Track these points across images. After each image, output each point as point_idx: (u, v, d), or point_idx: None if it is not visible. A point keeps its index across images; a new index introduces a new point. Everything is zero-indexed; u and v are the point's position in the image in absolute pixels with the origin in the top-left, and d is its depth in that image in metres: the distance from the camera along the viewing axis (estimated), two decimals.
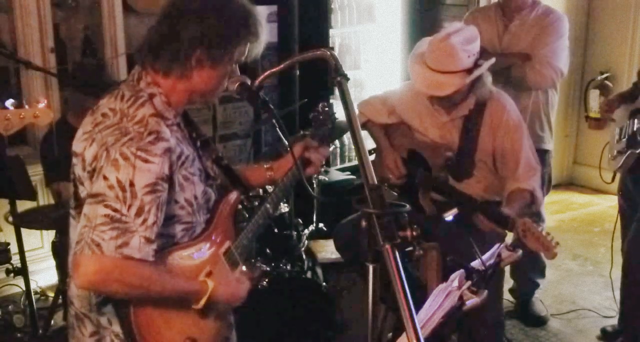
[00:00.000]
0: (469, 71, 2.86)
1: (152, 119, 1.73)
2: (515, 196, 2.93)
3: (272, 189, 2.20)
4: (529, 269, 3.93)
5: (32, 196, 3.56)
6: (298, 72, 4.84)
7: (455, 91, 2.88)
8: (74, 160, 1.81)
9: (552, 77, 3.57)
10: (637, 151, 3.29)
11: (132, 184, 1.66)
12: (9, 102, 2.55)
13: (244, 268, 2.02)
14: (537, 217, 3.75)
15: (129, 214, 1.66)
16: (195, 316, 1.86)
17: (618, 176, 3.57)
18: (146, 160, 1.67)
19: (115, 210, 1.65)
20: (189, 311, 1.84)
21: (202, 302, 1.82)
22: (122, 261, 1.66)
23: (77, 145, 1.80)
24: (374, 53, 5.85)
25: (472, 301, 1.81)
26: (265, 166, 2.23)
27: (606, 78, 5.83)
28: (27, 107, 2.55)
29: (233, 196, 2.02)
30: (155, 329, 1.80)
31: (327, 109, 2.32)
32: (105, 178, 1.67)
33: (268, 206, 2.14)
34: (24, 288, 3.53)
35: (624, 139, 3.40)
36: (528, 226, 2.65)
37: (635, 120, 3.34)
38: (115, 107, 1.76)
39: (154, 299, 1.77)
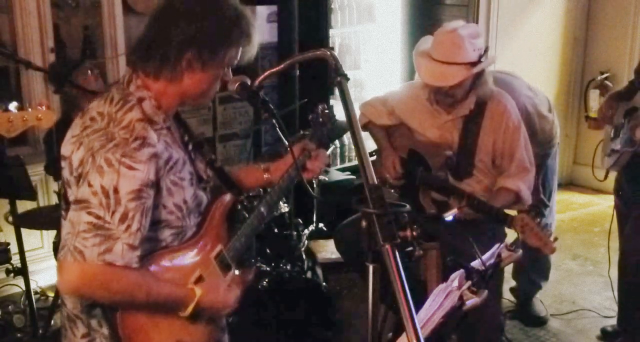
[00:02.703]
0: (473, 65, 2.88)
1: (138, 124, 1.71)
2: (500, 193, 2.97)
3: (267, 192, 2.17)
4: (533, 271, 3.92)
5: (32, 196, 3.57)
6: (298, 72, 4.84)
7: (459, 84, 2.90)
8: (62, 163, 1.79)
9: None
10: (631, 149, 3.29)
11: (116, 191, 1.65)
12: (12, 105, 2.54)
13: (236, 272, 1.99)
14: (549, 215, 3.77)
15: (112, 220, 1.65)
16: (184, 320, 1.83)
17: (611, 174, 3.56)
18: (131, 167, 1.66)
19: (98, 217, 1.64)
20: (178, 315, 1.82)
21: (189, 309, 1.80)
22: (105, 268, 1.64)
23: (65, 149, 1.78)
24: (374, 53, 5.84)
25: (472, 301, 1.81)
26: (262, 167, 2.19)
27: (606, 78, 5.83)
28: (30, 109, 2.55)
29: (226, 198, 1.99)
30: (143, 332, 1.78)
31: (326, 111, 2.31)
32: (89, 184, 1.66)
33: (262, 208, 2.10)
34: (24, 288, 3.53)
35: (619, 138, 3.40)
36: (526, 221, 2.67)
37: (631, 119, 3.34)
38: (104, 110, 1.74)
39: (139, 305, 1.75)
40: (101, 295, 1.69)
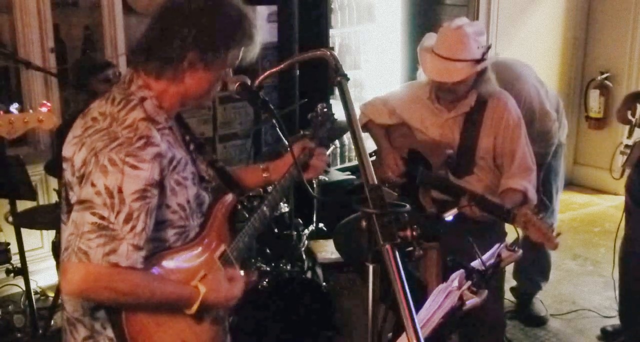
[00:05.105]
0: (477, 62, 2.90)
1: (142, 124, 1.70)
2: (507, 194, 2.95)
3: (269, 191, 2.18)
4: (533, 271, 3.92)
5: (32, 196, 3.56)
6: (298, 72, 4.84)
7: (463, 80, 2.90)
8: (64, 165, 1.78)
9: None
10: None
11: (120, 191, 1.63)
12: (14, 107, 2.55)
13: (241, 273, 1.99)
14: (550, 216, 3.76)
15: (116, 221, 1.63)
16: (189, 321, 1.83)
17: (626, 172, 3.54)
18: (135, 167, 1.65)
19: (102, 217, 1.63)
20: (183, 316, 1.82)
21: (195, 307, 1.79)
22: (110, 269, 1.63)
23: (67, 150, 1.77)
24: (374, 53, 5.85)
25: (472, 301, 1.81)
26: (261, 167, 2.20)
27: (606, 78, 5.83)
28: (31, 111, 2.55)
29: (228, 198, 1.99)
30: (148, 333, 1.78)
31: (325, 110, 2.31)
32: (93, 184, 1.64)
33: (265, 208, 2.11)
34: (24, 288, 3.53)
35: (633, 134, 3.38)
36: (529, 217, 2.66)
37: None
38: (106, 110, 1.74)
39: (144, 306, 1.75)
40: (106, 296, 1.68)
